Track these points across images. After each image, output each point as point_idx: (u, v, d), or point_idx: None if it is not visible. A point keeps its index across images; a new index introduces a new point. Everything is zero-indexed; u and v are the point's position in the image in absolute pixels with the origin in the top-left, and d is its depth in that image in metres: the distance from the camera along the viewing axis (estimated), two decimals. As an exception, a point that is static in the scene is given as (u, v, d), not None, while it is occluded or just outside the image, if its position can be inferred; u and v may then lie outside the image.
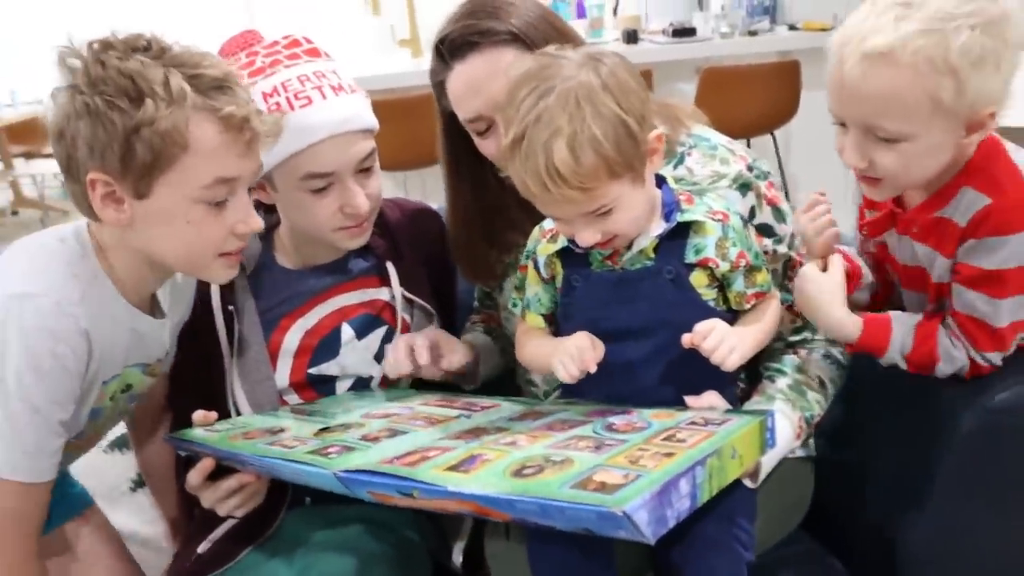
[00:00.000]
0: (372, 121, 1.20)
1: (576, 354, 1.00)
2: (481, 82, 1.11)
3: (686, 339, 0.96)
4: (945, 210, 1.00)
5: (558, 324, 1.12)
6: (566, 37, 1.13)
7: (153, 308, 1.16)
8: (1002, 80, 0.91)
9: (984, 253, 0.97)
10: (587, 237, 0.99)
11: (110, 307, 1.06)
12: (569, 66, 0.94)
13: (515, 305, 1.17)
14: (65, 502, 1.26)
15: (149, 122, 0.94)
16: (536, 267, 1.11)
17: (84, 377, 1.04)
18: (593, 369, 1.00)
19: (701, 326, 0.96)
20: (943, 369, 1.04)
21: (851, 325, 1.06)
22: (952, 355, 1.03)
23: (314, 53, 1.20)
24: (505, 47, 1.10)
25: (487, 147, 1.16)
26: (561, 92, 0.92)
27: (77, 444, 1.16)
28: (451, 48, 1.13)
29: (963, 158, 0.98)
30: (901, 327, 1.06)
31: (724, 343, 0.96)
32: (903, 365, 1.06)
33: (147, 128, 0.94)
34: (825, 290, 1.06)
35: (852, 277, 1.12)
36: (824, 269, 1.08)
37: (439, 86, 1.17)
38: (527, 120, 0.92)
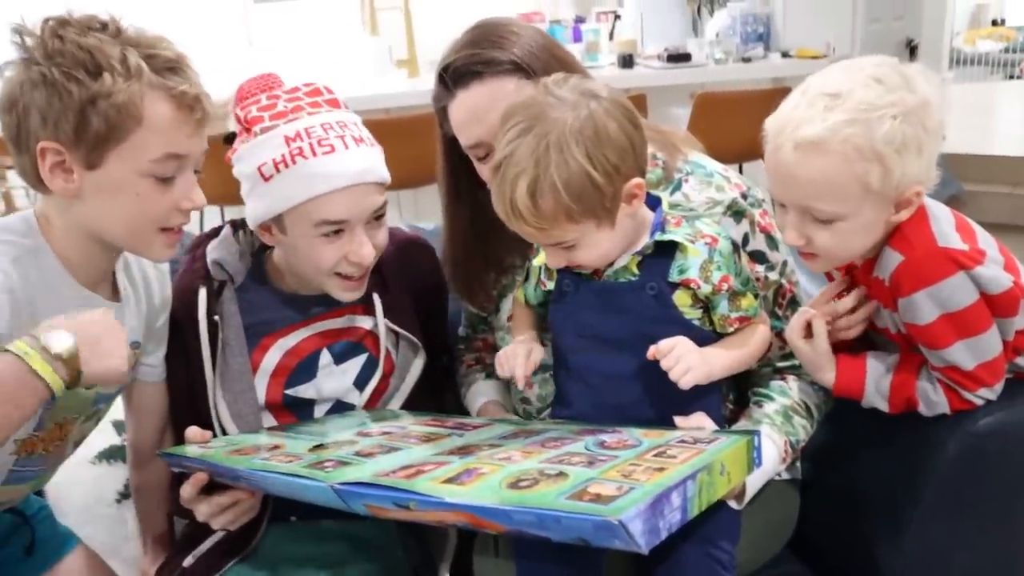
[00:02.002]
0: (386, 175, 1.22)
1: (509, 360, 1.09)
2: (483, 111, 1.13)
3: (650, 351, 0.99)
4: (875, 270, 1.06)
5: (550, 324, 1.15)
6: (567, 67, 1.14)
7: (114, 295, 1.16)
8: (924, 163, 0.97)
9: (911, 312, 1.02)
10: (553, 262, 1.04)
11: (55, 281, 1.07)
12: (558, 107, 0.96)
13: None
14: (54, 542, 1.26)
15: (106, 94, 0.97)
16: (539, 278, 1.15)
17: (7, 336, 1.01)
18: (521, 385, 1.10)
19: (663, 342, 0.99)
20: (924, 412, 1.08)
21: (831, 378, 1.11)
22: (931, 400, 1.06)
23: (334, 104, 1.22)
24: (507, 77, 1.12)
25: (487, 172, 1.17)
26: (537, 133, 0.95)
27: (40, 438, 1.14)
28: (454, 76, 1.15)
29: (893, 229, 1.03)
30: (875, 373, 1.09)
31: (681, 362, 0.97)
32: (884, 408, 1.09)
33: (104, 100, 0.97)
34: (812, 361, 1.11)
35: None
36: (807, 333, 1.11)
37: (441, 111, 1.19)
38: (504, 153, 0.96)
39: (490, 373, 1.38)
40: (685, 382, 0.97)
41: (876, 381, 1.09)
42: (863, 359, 1.10)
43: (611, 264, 1.05)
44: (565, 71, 1.08)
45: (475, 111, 1.14)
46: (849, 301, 1.11)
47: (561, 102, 0.97)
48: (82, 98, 0.96)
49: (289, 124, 1.16)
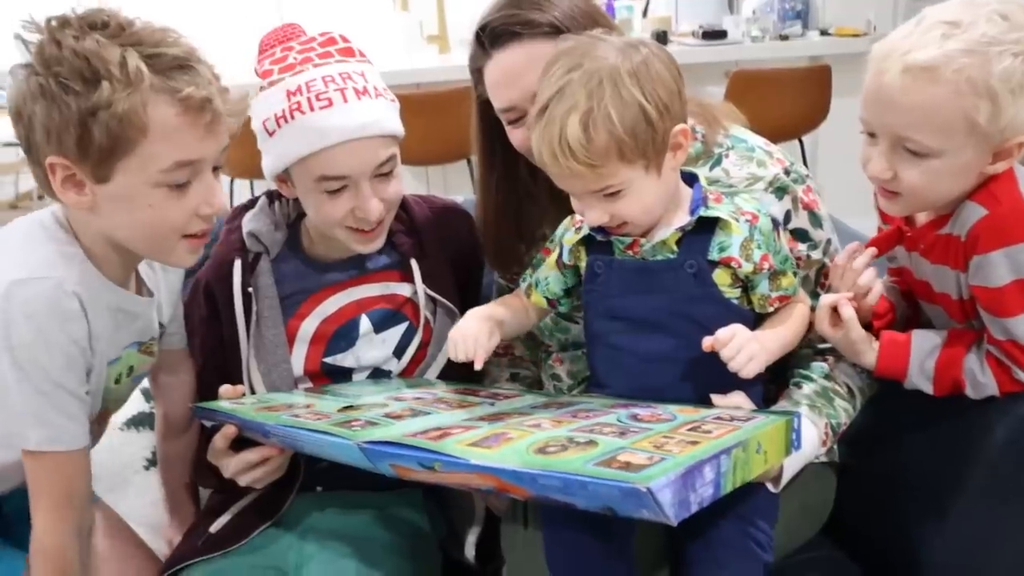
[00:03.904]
0: (394, 127, 1.19)
1: (468, 341, 1.02)
2: (518, 73, 1.10)
3: (707, 343, 0.95)
4: (947, 227, 1.01)
5: (582, 311, 1.12)
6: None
7: (139, 287, 1.16)
8: None
9: (984, 272, 0.97)
10: (594, 217, 0.99)
11: (97, 288, 1.06)
12: (605, 48, 0.95)
13: (523, 280, 1.16)
14: None
15: (106, 105, 0.92)
16: (560, 254, 1.11)
17: (90, 352, 1.05)
18: (479, 366, 1.02)
19: (722, 332, 0.95)
20: (971, 394, 1.03)
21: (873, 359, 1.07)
22: (979, 381, 1.02)
23: (348, 52, 1.20)
24: (545, 40, 1.09)
25: (516, 137, 1.16)
26: (588, 70, 0.93)
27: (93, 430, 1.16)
28: (492, 36, 1.12)
29: (982, 184, 0.98)
30: (919, 353, 1.05)
31: (743, 351, 0.94)
32: (929, 390, 1.05)
33: (104, 111, 0.92)
34: (848, 348, 1.08)
35: (884, 315, 1.11)
36: (834, 321, 1.08)
37: (477, 73, 1.17)
38: (551, 91, 0.93)
39: (515, 374, 1.38)
40: (748, 372, 0.95)
41: (920, 361, 1.04)
42: (907, 338, 1.06)
43: (647, 236, 1.02)
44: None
45: (510, 73, 1.11)
46: (869, 276, 1.07)
47: (610, 45, 0.95)
48: (81, 110, 0.92)
49: (294, 77, 1.15)
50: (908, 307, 1.16)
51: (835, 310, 1.07)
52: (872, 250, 1.08)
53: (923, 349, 1.05)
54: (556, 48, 0.98)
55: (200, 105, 0.96)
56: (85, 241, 1.06)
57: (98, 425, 1.20)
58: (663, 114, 0.94)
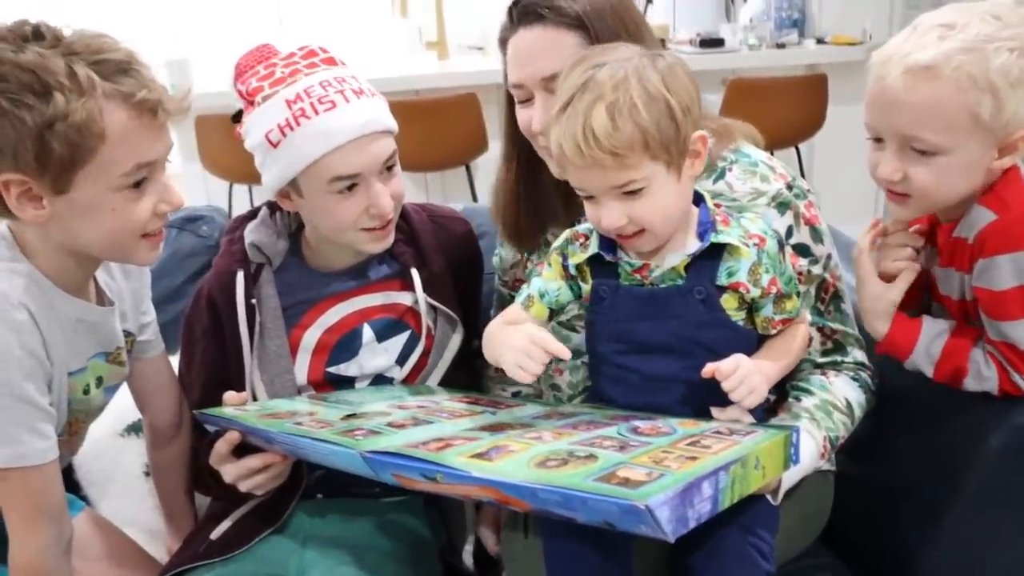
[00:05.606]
0: (392, 123, 1.22)
1: (532, 352, 0.97)
2: (533, 54, 1.13)
3: (707, 370, 0.95)
4: (959, 229, 1.02)
5: (585, 327, 1.12)
6: (635, 33, 1.12)
7: (99, 297, 1.16)
8: None
9: (988, 274, 0.99)
10: (612, 218, 0.97)
11: (52, 301, 1.05)
12: (626, 51, 0.97)
13: (520, 294, 1.14)
14: None
15: (63, 116, 0.91)
16: (564, 265, 1.10)
17: (48, 363, 1.04)
18: (568, 355, 0.98)
19: (725, 364, 0.95)
20: (970, 385, 1.04)
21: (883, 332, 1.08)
22: (982, 373, 1.03)
23: (331, 62, 1.22)
24: (567, 30, 1.11)
25: (522, 117, 1.18)
26: (613, 65, 0.94)
27: (64, 442, 1.15)
28: (520, 12, 1.14)
29: (989, 183, 1.00)
30: (929, 334, 1.06)
31: (744, 384, 0.95)
32: (929, 373, 1.06)
33: (61, 122, 0.91)
34: (876, 304, 1.08)
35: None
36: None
37: (503, 44, 1.19)
38: (575, 88, 0.94)
39: (517, 392, 1.38)
40: (749, 403, 0.95)
41: (928, 342, 1.06)
42: (920, 318, 1.08)
43: (657, 260, 1.02)
44: (631, 38, 1.07)
45: (527, 52, 1.14)
46: (909, 251, 1.09)
47: (630, 49, 0.97)
48: (37, 124, 0.91)
49: (288, 88, 1.17)
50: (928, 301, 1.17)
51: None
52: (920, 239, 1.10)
53: (932, 331, 1.07)
54: (574, 57, 0.99)
55: (154, 107, 0.98)
56: (36, 254, 1.05)
57: (71, 436, 1.20)
58: (685, 114, 0.94)
